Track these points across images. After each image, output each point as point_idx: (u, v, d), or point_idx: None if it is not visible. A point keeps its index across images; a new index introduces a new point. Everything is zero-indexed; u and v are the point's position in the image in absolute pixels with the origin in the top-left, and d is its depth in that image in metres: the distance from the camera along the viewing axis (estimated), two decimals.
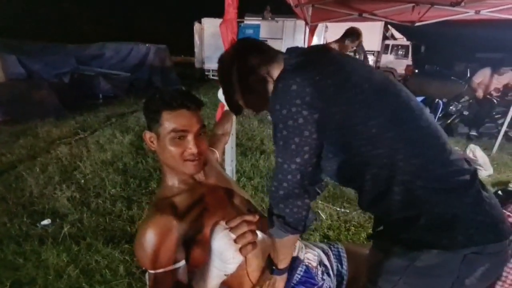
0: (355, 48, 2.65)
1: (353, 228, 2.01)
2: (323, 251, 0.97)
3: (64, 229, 1.84)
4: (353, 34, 2.58)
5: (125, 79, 7.12)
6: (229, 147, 1.75)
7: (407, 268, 0.62)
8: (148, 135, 0.76)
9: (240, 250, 0.57)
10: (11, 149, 3.27)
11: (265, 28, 8.72)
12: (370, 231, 1.96)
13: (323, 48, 0.76)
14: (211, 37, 9.12)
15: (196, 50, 10.15)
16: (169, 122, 0.71)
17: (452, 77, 5.90)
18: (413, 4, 3.07)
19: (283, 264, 0.79)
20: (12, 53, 5.47)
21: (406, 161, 0.60)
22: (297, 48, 0.75)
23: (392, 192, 0.61)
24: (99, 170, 2.78)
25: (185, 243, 0.71)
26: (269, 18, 8.90)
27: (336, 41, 2.64)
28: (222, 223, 0.59)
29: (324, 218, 2.11)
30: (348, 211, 2.21)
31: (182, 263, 0.69)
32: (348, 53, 2.77)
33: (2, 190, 2.39)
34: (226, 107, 1.49)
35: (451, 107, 4.11)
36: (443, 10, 3.13)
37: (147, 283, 0.72)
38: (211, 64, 9.40)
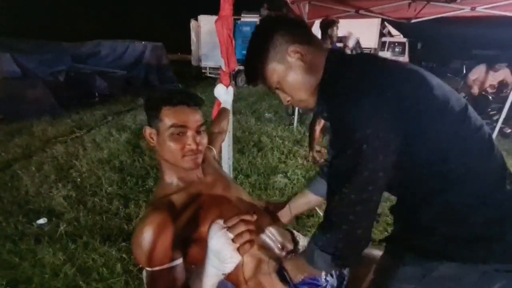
0: (345, 44, 2.66)
1: None
2: None
3: (61, 227, 1.83)
4: (330, 24, 2.60)
5: (121, 77, 7.07)
6: (226, 144, 1.75)
7: (423, 278, 0.60)
8: (148, 130, 0.76)
9: (238, 249, 0.57)
10: (6, 148, 3.24)
11: None
12: (379, 228, 1.98)
13: (377, 58, 0.69)
14: (207, 35, 9.05)
15: (192, 47, 10.08)
16: (169, 117, 0.72)
17: (448, 74, 5.92)
18: (410, 1, 3.08)
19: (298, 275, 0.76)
20: (7, 51, 5.39)
21: (462, 174, 0.58)
22: (341, 49, 0.71)
23: (433, 202, 0.59)
24: (96, 169, 2.76)
25: (182, 241, 0.71)
26: (266, 15, 8.85)
27: (325, 41, 2.66)
28: (220, 222, 0.59)
29: (321, 214, 2.12)
30: None
31: (179, 261, 0.69)
32: (346, 50, 2.78)
33: None
34: (223, 105, 1.49)
35: None
36: (439, 7, 3.14)
37: (144, 281, 0.72)
38: (208, 62, 9.34)
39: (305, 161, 3.02)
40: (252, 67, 0.71)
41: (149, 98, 0.76)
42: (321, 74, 0.65)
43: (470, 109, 0.62)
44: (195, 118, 0.74)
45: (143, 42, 7.94)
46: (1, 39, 6.00)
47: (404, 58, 10.79)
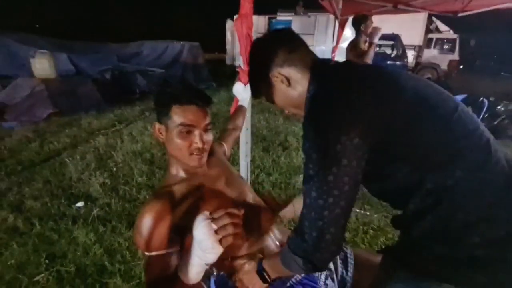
0: (370, 41, 2.52)
1: (371, 231, 1.91)
2: None
3: (94, 211, 2.02)
4: (362, 20, 2.49)
5: (160, 76, 7.51)
6: (244, 141, 1.77)
7: None
8: (157, 126, 0.81)
9: (220, 241, 0.58)
10: (57, 138, 3.65)
11: (297, 24, 8.57)
12: (390, 235, 1.87)
13: (352, 64, 0.74)
14: None
15: (228, 47, 10.35)
16: (178, 116, 0.75)
17: (502, 73, 5.26)
18: None
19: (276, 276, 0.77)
20: (63, 52, 6.07)
21: (452, 187, 0.54)
22: (327, 62, 0.73)
23: (425, 218, 0.56)
24: (130, 160, 2.98)
25: (180, 230, 0.74)
26: (301, 13, 8.73)
27: (359, 38, 2.56)
28: (206, 213, 0.61)
29: None
30: (368, 213, 2.11)
31: (176, 248, 0.72)
32: (383, 48, 2.64)
33: (47, 173, 2.69)
34: (240, 102, 1.51)
35: (499, 107, 3.69)
36: None
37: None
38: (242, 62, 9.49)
39: None
40: (253, 87, 0.82)
41: (160, 95, 0.79)
42: (306, 89, 0.70)
43: (463, 111, 0.58)
44: (203, 117, 0.77)
45: (181, 42, 8.35)
46: (58, 40, 6.74)
47: (454, 56, 9.83)
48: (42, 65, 4.90)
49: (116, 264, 1.59)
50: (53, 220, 1.96)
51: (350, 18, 3.86)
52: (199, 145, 0.76)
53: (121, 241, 1.76)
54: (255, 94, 0.83)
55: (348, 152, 0.55)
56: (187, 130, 0.75)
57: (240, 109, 1.44)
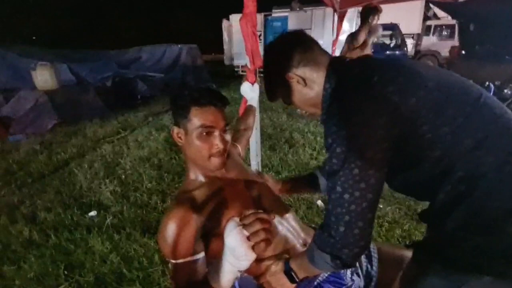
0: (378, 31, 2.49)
1: (386, 224, 1.90)
2: None
3: (107, 219, 2.03)
4: (371, 12, 2.45)
5: (160, 80, 7.52)
6: (254, 141, 1.76)
7: None
8: (176, 130, 0.80)
9: (253, 247, 0.58)
10: (64, 148, 3.67)
11: (294, 19, 8.52)
12: (405, 227, 1.86)
13: (370, 58, 0.74)
14: (239, 34, 9.09)
15: (225, 47, 10.31)
16: (198, 118, 0.75)
17: (506, 57, 5.21)
18: None
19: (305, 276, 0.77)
20: (64, 62, 6.09)
21: (485, 173, 0.53)
22: (343, 59, 0.73)
23: (459, 208, 0.55)
24: (138, 166, 2.99)
25: (204, 236, 0.74)
26: (297, 9, 8.67)
27: (362, 29, 2.53)
28: (236, 219, 0.60)
29: None
30: (381, 206, 2.10)
31: (202, 255, 0.72)
32: (381, 38, 2.60)
33: (58, 184, 2.70)
34: (249, 102, 1.50)
35: (505, 90, 3.65)
36: None
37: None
38: (240, 60, 9.46)
39: None
40: (268, 91, 0.83)
41: (177, 98, 0.79)
42: (322, 87, 0.70)
43: (488, 97, 0.58)
44: (221, 118, 0.77)
45: (179, 45, 8.35)
46: (58, 50, 6.76)
47: (454, 42, 9.73)
48: (43, 77, 4.92)
49: (134, 271, 1.59)
50: (68, 230, 1.97)
51: (350, 11, 3.84)
52: (220, 146, 0.76)
53: (137, 247, 1.76)
54: (271, 97, 0.84)
55: (373, 144, 0.55)
56: (207, 131, 0.75)
57: (249, 108, 1.43)
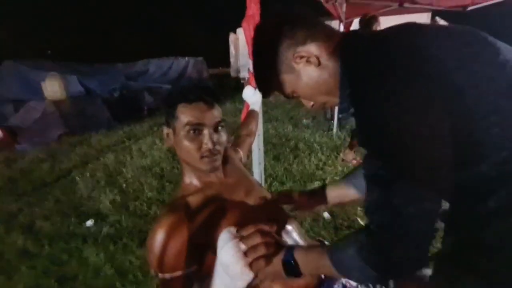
0: None
1: None
2: None
3: (104, 229, 1.95)
4: (370, 21, 2.40)
5: (166, 92, 7.62)
6: (256, 148, 1.69)
7: None
8: (165, 130, 0.74)
9: (250, 265, 0.49)
10: (68, 157, 3.66)
11: None
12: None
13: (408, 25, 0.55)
14: (245, 47, 9.32)
15: (231, 59, 10.49)
16: (185, 115, 0.69)
17: None
18: None
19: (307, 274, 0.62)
20: (73, 74, 6.23)
21: None
22: (356, 31, 0.60)
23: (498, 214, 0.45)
24: (139, 175, 2.94)
25: (197, 247, 0.65)
26: None
27: None
28: (232, 230, 0.52)
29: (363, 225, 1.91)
30: None
31: (193, 269, 0.63)
32: None
33: (58, 193, 2.66)
34: (251, 107, 1.44)
35: None
36: None
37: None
38: (247, 73, 9.58)
39: (345, 168, 2.81)
40: (262, 82, 0.66)
41: (167, 98, 0.74)
42: (338, 68, 0.55)
43: None
44: (212, 115, 0.69)
45: (186, 58, 8.50)
46: (69, 64, 6.94)
47: None
48: (52, 88, 5.02)
49: (127, 285, 1.50)
50: (63, 240, 1.90)
51: (356, 21, 3.84)
52: (209, 145, 0.68)
53: (133, 259, 1.67)
54: (266, 90, 0.68)
55: (435, 139, 0.43)
56: (195, 129, 0.68)
57: (252, 113, 1.37)
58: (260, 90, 0.69)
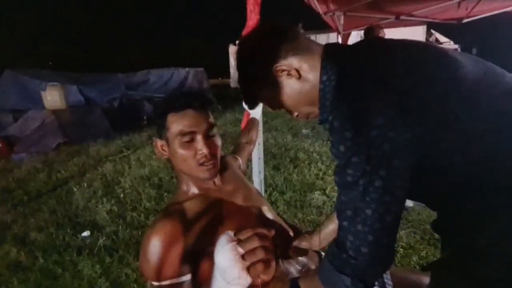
0: None
1: (401, 249, 1.73)
2: None
3: (100, 240, 1.90)
4: (372, 31, 2.44)
5: None
6: (256, 157, 1.67)
7: None
8: (159, 143, 0.72)
9: (248, 269, 0.47)
10: (66, 166, 3.62)
11: None
12: (422, 253, 1.69)
13: (382, 41, 0.61)
14: None
15: (231, 70, 10.63)
16: (175, 124, 0.67)
17: None
18: (459, 0, 2.79)
19: None
20: (73, 84, 6.27)
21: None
22: (338, 45, 0.62)
23: (487, 218, 0.47)
24: (137, 185, 2.90)
25: (193, 255, 0.63)
26: None
27: None
28: (230, 233, 0.50)
29: None
30: None
31: (188, 277, 0.61)
32: None
33: (54, 203, 2.61)
34: (252, 115, 1.44)
35: None
36: (496, 2, 2.78)
37: None
38: None
39: None
40: (247, 94, 0.68)
41: (156, 109, 0.73)
42: (319, 80, 0.57)
43: None
44: (203, 121, 0.68)
45: (186, 69, 8.58)
46: (70, 74, 7.00)
47: None
48: (52, 97, 5.03)
49: None
50: (57, 252, 1.84)
51: (353, 33, 3.90)
52: (204, 151, 0.66)
53: (129, 272, 1.62)
54: (251, 101, 0.70)
55: (401, 150, 0.45)
56: (188, 138, 0.67)
57: (252, 122, 1.36)
58: (245, 102, 0.71)
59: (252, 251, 0.48)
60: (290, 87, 0.60)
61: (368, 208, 0.46)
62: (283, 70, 0.58)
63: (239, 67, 0.66)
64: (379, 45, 0.58)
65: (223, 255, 0.47)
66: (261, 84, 0.62)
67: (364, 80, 0.49)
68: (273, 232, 0.51)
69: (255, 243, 0.48)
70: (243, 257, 0.47)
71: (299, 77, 0.58)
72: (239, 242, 0.49)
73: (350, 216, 0.48)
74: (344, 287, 0.50)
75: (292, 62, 0.58)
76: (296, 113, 0.66)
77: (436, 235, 1.66)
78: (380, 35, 2.45)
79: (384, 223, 0.46)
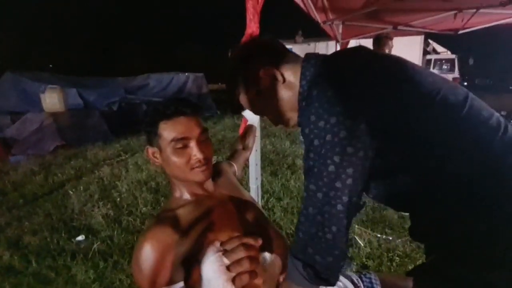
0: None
1: (397, 258, 1.73)
2: (353, 282, 0.81)
3: (95, 245, 1.89)
4: (380, 39, 2.39)
5: None
6: (253, 163, 1.68)
7: None
8: (150, 150, 0.72)
9: (233, 280, 0.47)
10: (63, 170, 3.60)
11: (297, 51, 8.79)
12: (418, 262, 1.69)
13: (355, 50, 0.66)
14: None
15: None
16: (168, 131, 0.67)
17: (510, 87, 5.24)
18: (455, 12, 2.84)
19: None
20: (73, 87, 6.28)
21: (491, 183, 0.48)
22: (317, 54, 0.67)
23: (463, 218, 0.48)
24: (134, 189, 2.88)
25: (185, 262, 0.63)
26: (301, 42, 9.08)
27: None
28: (217, 244, 0.50)
29: (362, 245, 1.87)
30: (390, 238, 1.93)
31: (180, 284, 0.60)
32: None
33: (49, 206, 2.59)
34: (249, 122, 1.45)
35: None
36: (491, 15, 2.83)
37: None
38: None
39: None
40: (233, 100, 0.71)
41: (145, 116, 0.73)
42: (299, 85, 0.62)
43: (474, 99, 0.54)
44: (195, 126, 0.69)
45: (186, 74, 8.62)
46: (69, 77, 7.02)
47: (454, 75, 9.94)
48: (52, 100, 5.03)
49: None
50: (51, 256, 1.82)
51: (351, 42, 3.95)
52: (199, 156, 0.67)
53: (123, 278, 1.61)
54: (237, 105, 0.73)
55: (355, 139, 0.47)
56: (181, 144, 0.67)
57: (250, 129, 1.37)
58: (231, 108, 0.75)
59: (237, 261, 0.48)
60: (274, 91, 0.64)
61: (319, 192, 0.49)
62: (268, 75, 0.63)
63: (228, 72, 0.70)
64: (355, 52, 0.64)
65: (208, 266, 0.48)
66: (247, 89, 0.67)
67: (333, 76, 0.55)
68: (260, 241, 0.51)
69: (241, 253, 0.48)
70: (228, 268, 0.47)
71: (283, 81, 0.63)
72: (225, 252, 0.49)
73: (306, 198, 0.51)
74: (298, 276, 0.52)
75: (278, 67, 0.64)
76: (276, 120, 0.70)
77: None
78: (387, 44, 2.38)
79: (334, 209, 0.48)
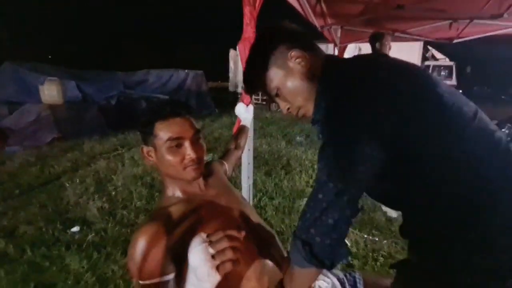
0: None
1: (381, 258, 1.80)
2: (338, 280, 0.87)
3: (89, 236, 1.93)
4: (377, 38, 2.36)
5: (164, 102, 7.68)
6: (246, 163, 1.73)
7: None
8: (145, 149, 0.77)
9: (218, 267, 0.52)
10: (59, 162, 3.63)
11: None
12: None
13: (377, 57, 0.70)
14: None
15: (230, 74, 10.70)
16: (163, 131, 0.72)
17: (502, 96, 5.34)
18: (450, 21, 2.91)
19: None
20: (72, 79, 6.28)
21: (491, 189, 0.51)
22: (336, 56, 0.71)
23: (465, 223, 0.51)
24: (129, 184, 2.93)
25: (176, 255, 0.68)
26: None
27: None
28: (203, 235, 0.56)
29: (348, 244, 1.93)
30: (377, 239, 2.00)
31: (171, 276, 0.66)
32: None
33: (45, 198, 2.63)
34: (243, 122, 1.50)
35: (503, 130, 3.67)
36: (484, 25, 2.91)
37: None
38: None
39: None
40: (253, 74, 0.71)
41: (141, 117, 0.77)
42: (319, 80, 0.64)
43: (481, 113, 0.58)
44: (189, 127, 0.74)
45: (185, 71, 8.64)
46: (69, 69, 7.01)
47: (452, 82, 10.05)
48: (50, 92, 5.04)
49: None
50: (46, 246, 1.87)
51: (350, 46, 4.01)
52: (192, 156, 0.72)
53: (115, 269, 1.65)
54: (253, 84, 0.72)
55: (369, 140, 0.52)
56: (176, 144, 0.72)
57: (242, 129, 1.42)
58: (247, 83, 0.73)
59: (221, 251, 0.52)
60: (297, 74, 0.65)
61: (330, 183, 0.53)
62: (298, 57, 0.64)
63: (257, 44, 0.70)
64: (371, 62, 0.65)
65: (195, 255, 0.52)
66: (271, 64, 0.66)
67: (356, 86, 0.57)
68: (243, 233, 0.56)
69: (225, 243, 0.53)
70: (213, 257, 0.52)
71: (308, 68, 0.64)
72: (210, 243, 0.54)
73: (316, 186, 0.56)
74: (297, 255, 0.57)
75: (307, 55, 0.64)
76: (288, 106, 0.70)
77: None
78: (386, 43, 2.36)
79: (341, 199, 0.53)
